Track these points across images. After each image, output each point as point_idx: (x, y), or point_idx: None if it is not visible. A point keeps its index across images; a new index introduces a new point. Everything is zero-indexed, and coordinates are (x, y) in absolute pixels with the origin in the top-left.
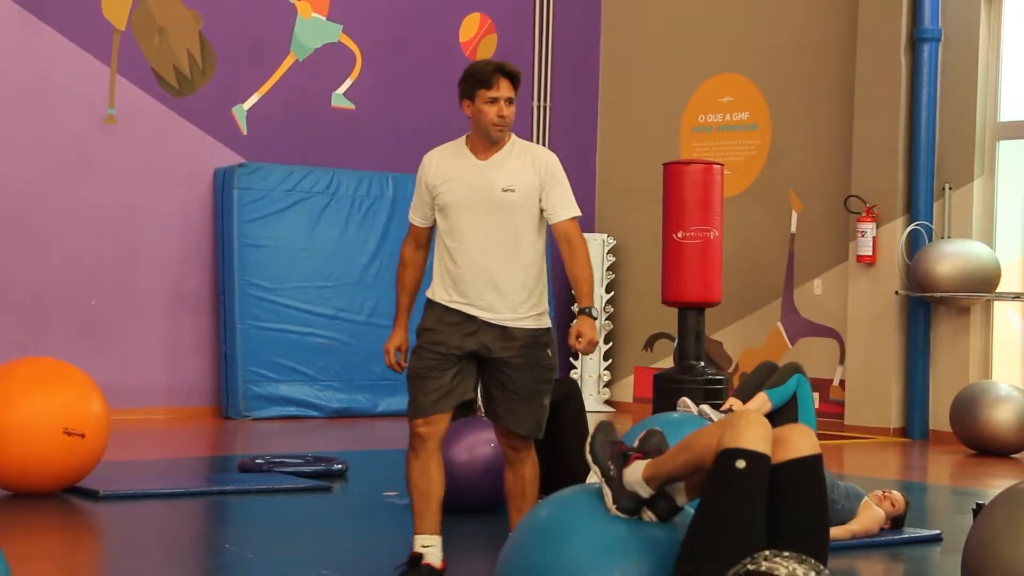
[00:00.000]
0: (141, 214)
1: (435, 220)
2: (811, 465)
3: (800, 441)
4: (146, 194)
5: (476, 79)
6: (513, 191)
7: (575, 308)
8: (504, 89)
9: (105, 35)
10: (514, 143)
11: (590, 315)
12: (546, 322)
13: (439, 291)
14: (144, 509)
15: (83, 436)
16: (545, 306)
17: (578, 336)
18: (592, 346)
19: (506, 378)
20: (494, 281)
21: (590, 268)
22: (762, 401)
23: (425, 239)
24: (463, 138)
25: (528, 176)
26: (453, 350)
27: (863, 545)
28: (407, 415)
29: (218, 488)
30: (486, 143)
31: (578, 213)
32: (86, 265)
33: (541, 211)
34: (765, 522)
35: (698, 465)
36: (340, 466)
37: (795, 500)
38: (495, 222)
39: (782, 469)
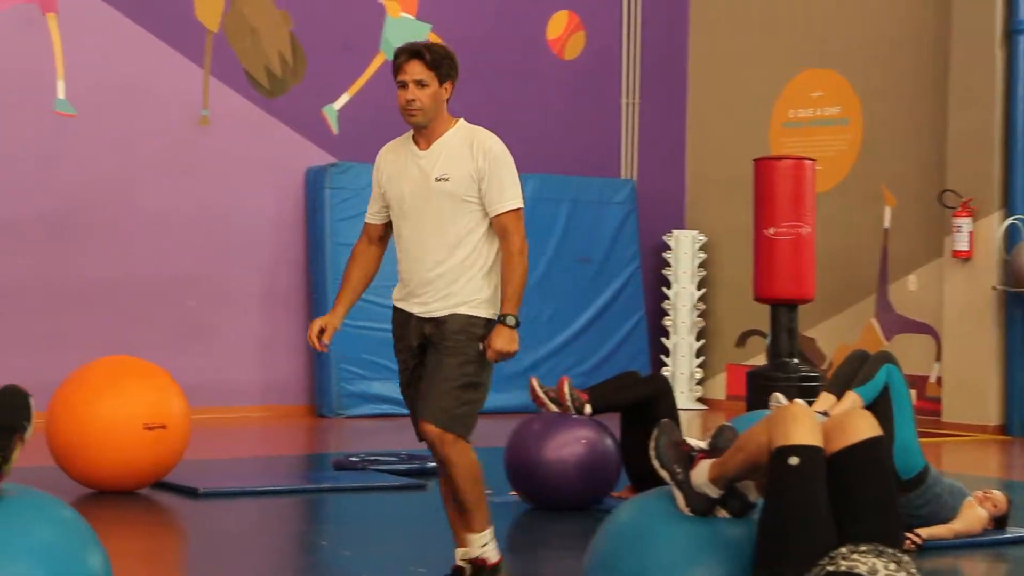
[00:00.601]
0: (234, 214)
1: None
2: (870, 447)
3: (857, 425)
4: (239, 194)
5: (392, 66)
6: (447, 180)
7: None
8: (412, 71)
9: (198, 37)
10: (459, 128)
11: (504, 323)
12: (484, 313)
13: (395, 292)
14: (242, 506)
15: (164, 427)
16: (487, 298)
17: (488, 345)
18: (502, 357)
19: (431, 362)
20: (428, 277)
21: (521, 270)
22: (853, 401)
23: (377, 235)
24: (411, 132)
25: (464, 163)
26: (409, 354)
27: (965, 545)
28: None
29: (314, 486)
30: (422, 132)
31: (518, 205)
32: (181, 265)
33: (479, 200)
34: (830, 514)
35: (755, 464)
36: (433, 464)
37: (859, 486)
38: (431, 214)
39: (840, 457)
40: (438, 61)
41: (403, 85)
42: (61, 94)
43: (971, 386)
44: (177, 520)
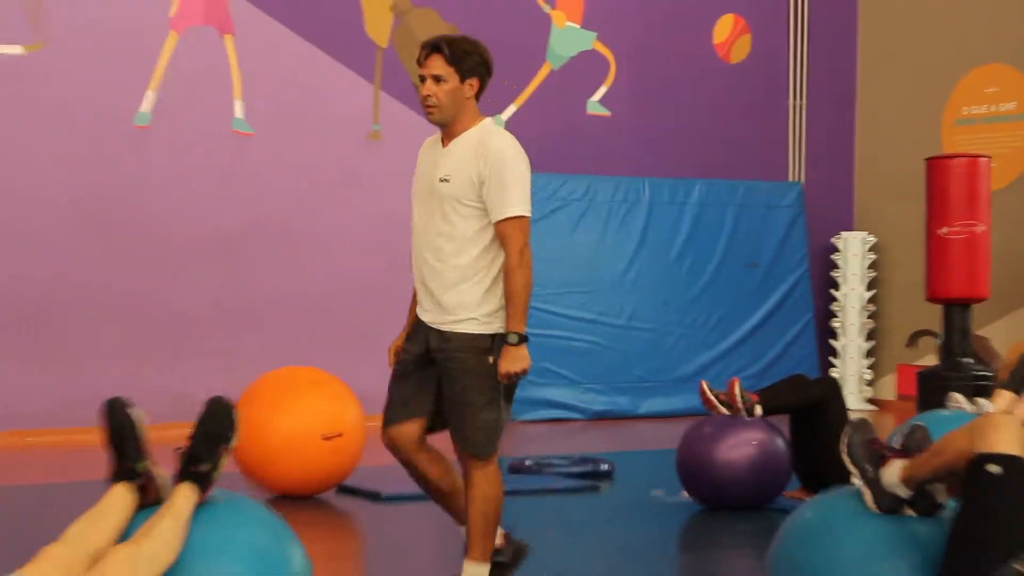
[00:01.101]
0: (404, 225)
1: None
2: None
3: None
4: (409, 206)
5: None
6: (448, 181)
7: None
8: (431, 65)
9: (368, 53)
10: (479, 129)
11: (507, 342)
12: (490, 328)
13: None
14: (422, 510)
15: (341, 435)
16: (490, 312)
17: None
18: (511, 378)
19: (444, 384)
20: (426, 281)
21: (519, 283)
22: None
23: None
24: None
25: (468, 166)
26: (409, 355)
27: None
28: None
29: None
30: (445, 130)
31: (519, 213)
32: (353, 276)
33: (481, 205)
34: (1022, 526)
35: (952, 469)
36: (606, 466)
37: None
38: (433, 216)
39: None
40: (459, 56)
41: (422, 80)
42: (239, 113)
43: None
44: (359, 523)
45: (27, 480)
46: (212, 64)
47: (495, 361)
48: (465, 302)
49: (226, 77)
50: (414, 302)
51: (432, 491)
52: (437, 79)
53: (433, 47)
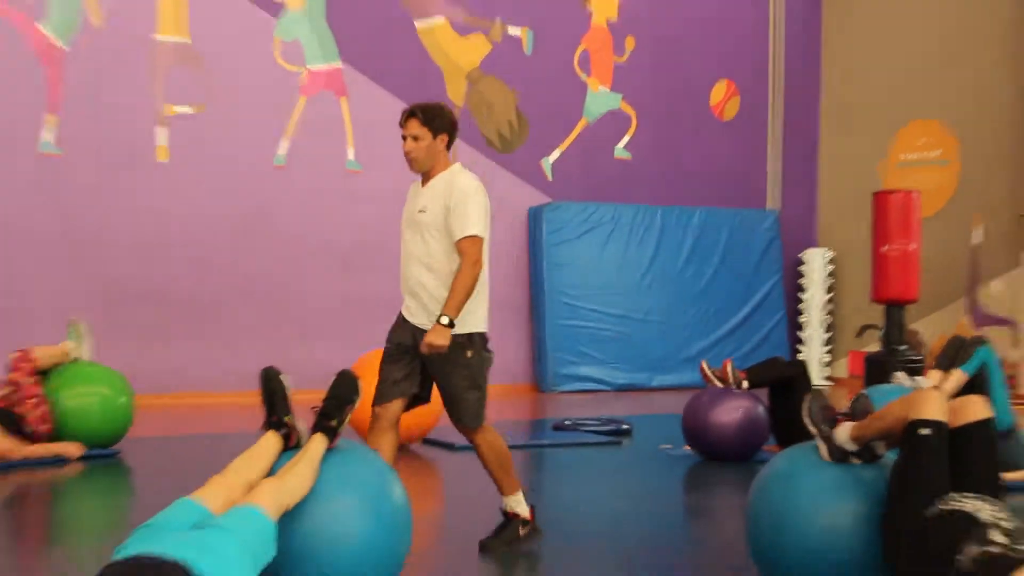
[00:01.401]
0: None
1: None
2: (982, 427)
3: (972, 408)
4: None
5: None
6: (424, 212)
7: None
8: (409, 128)
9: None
10: (449, 172)
11: (439, 321)
12: (464, 328)
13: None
14: None
15: (427, 401)
16: (465, 314)
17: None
18: (432, 349)
19: (434, 375)
20: (412, 289)
21: (464, 284)
22: (958, 376)
23: None
24: None
25: (440, 200)
26: (396, 344)
27: None
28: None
29: (538, 442)
30: (424, 175)
31: (472, 233)
32: (490, 274)
33: (449, 230)
34: (946, 474)
35: (890, 431)
36: (627, 427)
37: (971, 454)
38: (413, 238)
39: (959, 432)
40: (431, 119)
41: (404, 138)
42: (351, 156)
43: None
44: (439, 466)
45: (198, 430)
46: (331, 119)
47: (472, 355)
48: (434, 306)
49: (341, 128)
50: None
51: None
52: (415, 138)
53: (410, 113)
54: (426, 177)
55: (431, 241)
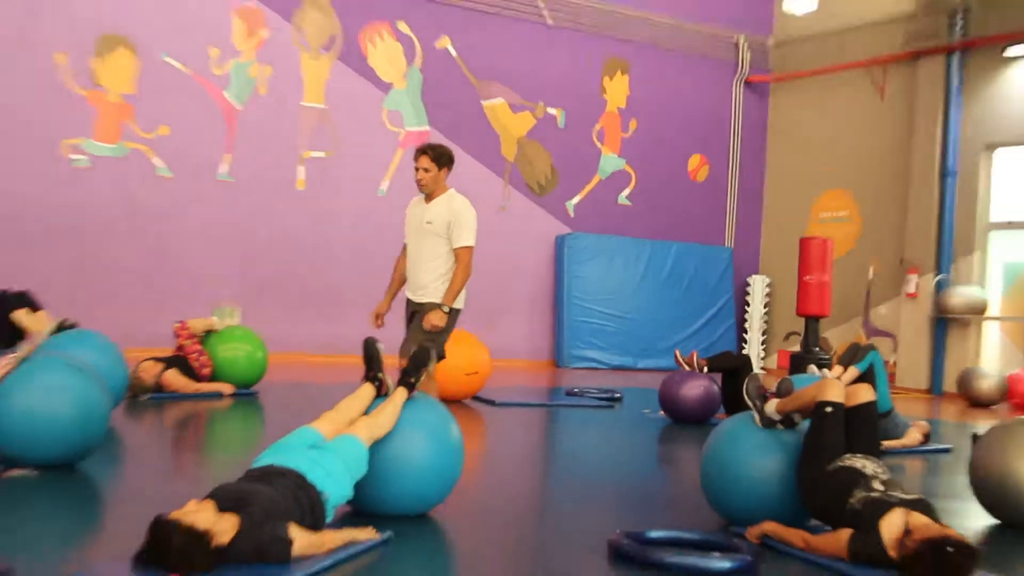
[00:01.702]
0: (516, 259)
1: None
2: (868, 408)
3: (862, 394)
4: (520, 250)
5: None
6: (431, 224)
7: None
8: (421, 162)
9: (501, 164)
10: (447, 195)
11: (440, 308)
12: (438, 299)
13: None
14: (519, 411)
15: (476, 373)
16: (442, 291)
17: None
18: (432, 327)
19: (414, 328)
20: (414, 275)
21: (459, 281)
22: (853, 372)
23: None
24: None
25: (443, 216)
26: (409, 316)
27: (908, 452)
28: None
29: (554, 403)
30: (428, 196)
31: (469, 244)
32: (489, 285)
33: (449, 238)
34: (842, 439)
35: (805, 407)
36: (618, 395)
37: (859, 427)
38: (420, 242)
39: (852, 411)
40: (437, 156)
41: (416, 170)
42: None
43: (913, 366)
44: (485, 416)
45: (314, 380)
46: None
47: (448, 323)
48: (436, 288)
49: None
50: (389, 290)
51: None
52: (426, 170)
53: (422, 151)
54: (429, 197)
55: (435, 245)
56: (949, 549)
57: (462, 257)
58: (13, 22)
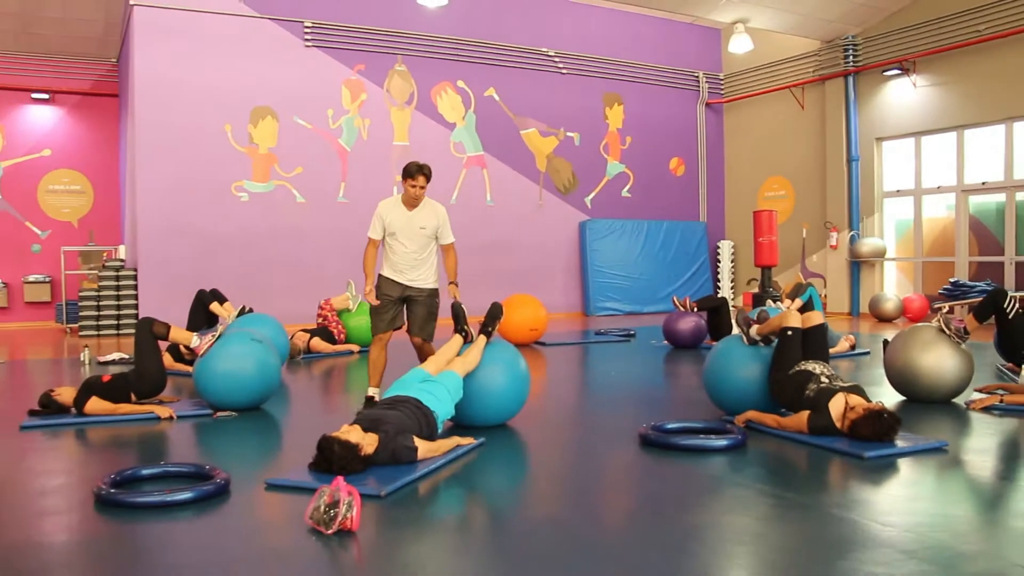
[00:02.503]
0: (551, 242)
1: (384, 235)
2: (821, 328)
3: (815, 318)
4: (554, 234)
5: (406, 172)
6: (424, 228)
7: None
8: (418, 180)
9: (536, 174)
10: (430, 203)
11: (455, 284)
12: (434, 285)
13: (386, 270)
14: (567, 348)
15: (536, 330)
16: (435, 279)
17: (452, 294)
18: (458, 300)
19: (414, 309)
20: (413, 268)
21: (457, 266)
22: (797, 303)
23: (378, 245)
24: (399, 197)
25: (433, 221)
26: (388, 298)
27: (840, 356)
28: (372, 330)
29: (586, 341)
30: (411, 203)
31: (453, 240)
32: (532, 260)
33: (436, 237)
34: (801, 353)
35: (775, 331)
36: (632, 332)
37: (812, 342)
38: (414, 241)
39: (807, 331)
40: (428, 175)
41: (413, 186)
42: (489, 199)
43: (837, 296)
44: (542, 354)
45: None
46: (478, 180)
47: (437, 300)
48: (428, 276)
49: (483, 185)
50: (368, 278)
51: (376, 365)
52: (422, 187)
53: (421, 171)
54: (413, 205)
55: (427, 244)
56: (884, 415)
57: (452, 249)
58: (198, 104)
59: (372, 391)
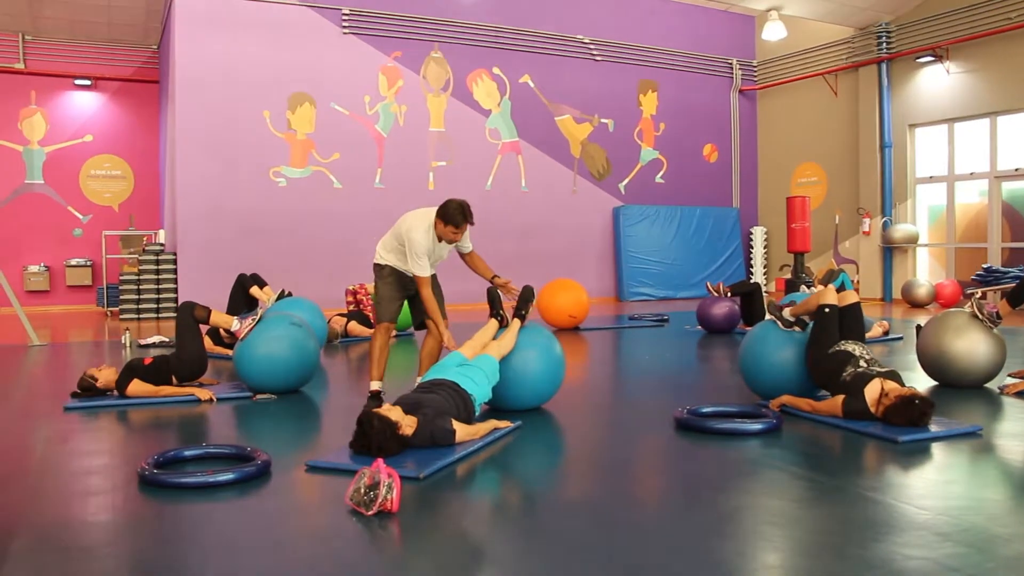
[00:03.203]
0: (586, 227)
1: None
2: (855, 306)
3: (850, 297)
4: (589, 219)
5: (450, 219)
6: (444, 258)
7: (491, 278)
8: (463, 228)
9: (571, 160)
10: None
11: (497, 276)
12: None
13: (398, 264)
14: (602, 332)
15: (574, 317)
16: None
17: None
18: (510, 285)
19: (416, 303)
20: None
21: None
22: (831, 288)
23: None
24: (431, 229)
25: (447, 249)
26: (401, 292)
27: (874, 341)
28: (379, 317)
29: (620, 326)
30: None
31: (472, 249)
32: (568, 244)
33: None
34: (837, 330)
35: (810, 311)
36: (666, 317)
37: (849, 321)
38: (438, 262)
39: (843, 310)
40: (471, 222)
41: (456, 233)
42: (523, 185)
43: (870, 282)
44: (575, 338)
45: (456, 321)
46: (513, 167)
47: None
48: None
49: (518, 171)
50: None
51: (380, 355)
52: (463, 232)
53: (466, 220)
54: (442, 239)
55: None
56: (916, 401)
57: (474, 253)
58: (237, 91)
59: (376, 385)
